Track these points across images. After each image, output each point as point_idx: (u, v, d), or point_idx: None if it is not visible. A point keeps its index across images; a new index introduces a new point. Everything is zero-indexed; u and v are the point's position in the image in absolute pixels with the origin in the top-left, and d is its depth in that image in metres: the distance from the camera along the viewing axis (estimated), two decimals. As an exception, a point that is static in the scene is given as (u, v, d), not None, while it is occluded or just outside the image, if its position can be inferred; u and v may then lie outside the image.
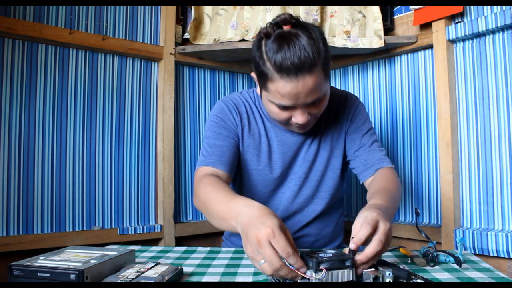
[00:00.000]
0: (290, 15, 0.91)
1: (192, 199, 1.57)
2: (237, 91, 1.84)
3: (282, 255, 0.63)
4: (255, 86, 1.12)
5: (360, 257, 0.68)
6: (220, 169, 1.00)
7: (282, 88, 0.87)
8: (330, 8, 1.51)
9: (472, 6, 1.33)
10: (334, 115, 1.12)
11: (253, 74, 1.00)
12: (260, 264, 0.64)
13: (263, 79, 0.91)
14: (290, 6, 1.52)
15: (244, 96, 1.13)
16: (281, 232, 0.64)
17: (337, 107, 1.13)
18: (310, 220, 1.12)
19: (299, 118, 0.93)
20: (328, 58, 0.92)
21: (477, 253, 1.25)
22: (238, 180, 1.14)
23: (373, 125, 1.19)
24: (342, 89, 1.76)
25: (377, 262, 0.74)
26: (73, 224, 1.40)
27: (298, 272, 0.64)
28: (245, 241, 0.68)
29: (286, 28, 0.90)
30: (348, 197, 1.73)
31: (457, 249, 1.21)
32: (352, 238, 0.70)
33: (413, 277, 0.67)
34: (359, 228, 0.70)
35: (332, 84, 1.80)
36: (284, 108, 0.93)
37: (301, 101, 0.90)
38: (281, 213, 1.11)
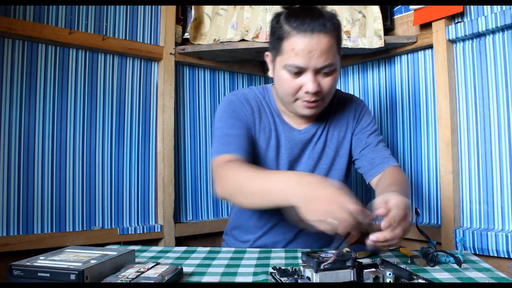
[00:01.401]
0: None
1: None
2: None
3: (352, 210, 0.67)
4: (264, 83, 1.12)
5: (376, 236, 0.69)
6: (241, 155, 0.98)
7: (297, 43, 0.92)
8: (330, 8, 1.51)
9: (472, 6, 1.33)
10: (340, 115, 1.14)
11: (266, 55, 1.06)
12: (332, 223, 0.67)
13: (279, 42, 0.96)
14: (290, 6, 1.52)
15: (254, 91, 1.13)
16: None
17: (343, 107, 1.14)
18: None
19: (309, 84, 0.95)
20: (340, 37, 1.00)
21: (477, 253, 1.25)
22: None
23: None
24: (342, 89, 1.76)
25: (378, 262, 0.74)
26: (73, 224, 1.40)
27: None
28: (311, 202, 0.70)
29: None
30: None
31: (457, 249, 1.21)
32: (378, 214, 0.71)
33: (415, 277, 0.67)
34: (390, 207, 0.71)
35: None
36: (295, 74, 0.95)
37: (314, 61, 0.93)
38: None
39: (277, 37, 0.97)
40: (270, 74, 1.07)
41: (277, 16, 1.00)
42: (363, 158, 1.10)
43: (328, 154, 1.12)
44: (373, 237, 0.69)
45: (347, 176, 1.16)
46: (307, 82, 0.95)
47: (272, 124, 1.10)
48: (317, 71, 0.95)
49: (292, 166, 1.10)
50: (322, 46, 0.92)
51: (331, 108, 1.14)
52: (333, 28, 0.95)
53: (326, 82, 0.97)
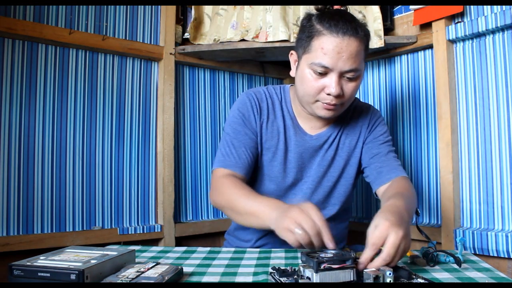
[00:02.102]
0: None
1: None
2: (237, 91, 1.84)
3: (318, 223, 0.75)
4: (259, 86, 1.13)
5: (369, 266, 0.69)
6: (237, 172, 1.04)
7: (327, 43, 0.93)
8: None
9: (472, 6, 1.33)
10: (354, 123, 1.12)
11: (291, 53, 1.07)
12: (297, 232, 0.74)
13: (308, 40, 0.97)
14: (290, 6, 1.52)
15: (270, 91, 1.13)
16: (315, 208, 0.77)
17: (358, 116, 1.13)
18: None
19: (331, 86, 0.95)
20: (368, 47, 1.01)
21: (477, 253, 1.25)
22: (253, 172, 1.11)
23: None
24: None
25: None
26: (73, 224, 1.40)
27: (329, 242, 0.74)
28: (283, 217, 0.78)
29: (337, 7, 1.02)
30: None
31: (457, 249, 1.21)
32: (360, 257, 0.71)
33: (414, 277, 0.67)
34: (369, 244, 0.72)
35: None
36: (320, 74, 0.95)
37: (341, 63, 0.93)
38: None
39: (307, 35, 0.97)
40: (291, 73, 1.07)
41: (309, 16, 1.00)
42: (371, 167, 1.08)
43: (338, 162, 1.10)
44: (363, 266, 0.70)
45: (354, 185, 1.16)
46: (331, 84, 0.95)
47: (281, 127, 1.09)
48: (341, 75, 0.95)
49: (301, 171, 1.09)
50: (351, 50, 0.93)
51: (346, 115, 1.12)
52: (364, 34, 0.96)
53: (348, 87, 0.97)
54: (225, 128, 1.11)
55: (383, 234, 0.71)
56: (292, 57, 1.07)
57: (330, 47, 0.93)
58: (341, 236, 1.17)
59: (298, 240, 0.75)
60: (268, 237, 1.12)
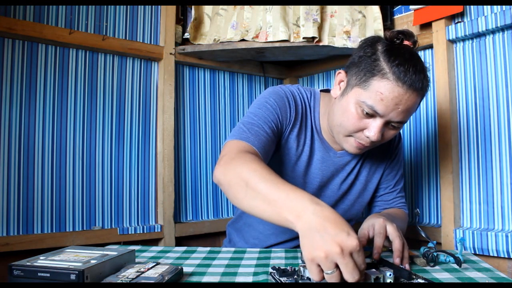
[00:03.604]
0: (412, 33, 0.90)
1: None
2: (237, 91, 1.84)
3: (359, 272, 0.59)
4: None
5: (396, 257, 0.78)
6: (258, 151, 0.85)
7: (389, 89, 0.82)
8: (330, 8, 1.51)
9: (472, 6, 1.33)
10: (378, 146, 1.04)
11: (339, 72, 0.95)
12: (329, 274, 0.58)
13: (368, 76, 0.85)
14: (290, 6, 1.52)
15: (302, 94, 1.01)
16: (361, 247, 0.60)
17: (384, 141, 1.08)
18: None
19: (373, 131, 0.86)
20: (422, 99, 0.90)
21: (477, 253, 1.25)
22: None
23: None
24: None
25: (377, 262, 0.75)
26: (73, 224, 1.40)
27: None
28: (315, 243, 0.59)
29: (407, 43, 0.88)
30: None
31: (457, 249, 1.21)
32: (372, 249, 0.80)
33: (414, 277, 0.67)
34: (374, 237, 0.81)
35: (332, 84, 1.80)
36: (368, 115, 0.86)
37: (394, 114, 0.84)
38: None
39: (367, 69, 0.85)
40: (333, 93, 0.96)
41: (375, 43, 0.88)
42: (382, 200, 1.13)
43: (357, 186, 1.07)
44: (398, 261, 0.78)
45: (368, 207, 1.17)
46: (374, 128, 0.86)
47: (309, 137, 1.00)
48: (387, 122, 0.87)
49: (320, 189, 1.03)
50: (409, 105, 0.84)
51: None
52: (426, 89, 0.87)
53: (389, 134, 0.91)
54: (252, 105, 0.96)
55: (382, 225, 0.82)
56: (339, 77, 0.95)
57: (390, 95, 0.82)
58: None
59: (323, 278, 0.60)
60: (276, 247, 1.08)
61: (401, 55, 0.84)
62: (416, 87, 0.83)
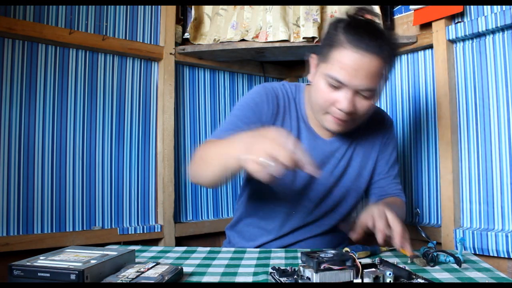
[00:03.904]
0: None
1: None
2: (237, 91, 1.84)
3: (291, 151, 0.67)
4: (303, 81, 1.09)
5: (397, 239, 0.80)
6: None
7: (347, 57, 0.86)
8: (330, 8, 1.51)
9: (472, 6, 1.33)
10: (369, 133, 1.08)
11: (312, 57, 1.00)
12: (270, 166, 0.66)
13: (329, 49, 0.90)
14: (290, 6, 1.52)
15: (286, 88, 1.06)
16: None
17: (374, 126, 1.10)
18: (321, 232, 1.10)
19: (344, 102, 0.89)
20: (393, 63, 0.95)
21: (477, 253, 1.25)
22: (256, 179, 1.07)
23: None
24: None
25: (377, 261, 0.74)
26: (73, 224, 1.40)
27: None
28: (250, 148, 0.68)
29: (368, 17, 0.93)
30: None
31: (457, 249, 1.21)
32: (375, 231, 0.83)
33: (414, 277, 0.67)
34: (374, 223, 0.83)
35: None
36: (333, 87, 0.90)
37: (356, 81, 0.87)
38: (298, 220, 1.07)
39: (328, 43, 0.91)
40: (309, 77, 1.01)
41: (336, 22, 0.93)
42: (379, 187, 1.12)
43: (351, 172, 1.07)
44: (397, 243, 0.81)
45: (363, 196, 1.14)
46: (343, 100, 0.89)
47: (296, 128, 1.03)
48: (356, 92, 0.89)
49: (312, 178, 1.03)
50: (370, 69, 0.87)
51: (364, 125, 1.06)
52: (387, 53, 0.89)
53: (362, 104, 0.92)
54: (231, 111, 1.03)
55: (382, 211, 0.84)
56: (313, 60, 1.00)
57: (348, 62, 0.86)
58: (340, 242, 1.17)
59: (270, 173, 0.67)
60: (278, 241, 1.09)
61: (358, 26, 0.88)
62: (374, 51, 0.85)
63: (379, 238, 0.81)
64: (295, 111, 1.04)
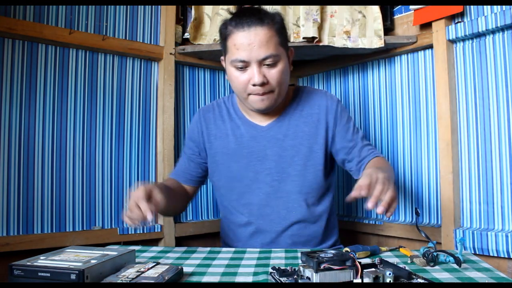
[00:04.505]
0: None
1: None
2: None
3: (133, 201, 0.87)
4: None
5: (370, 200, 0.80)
6: (175, 178, 1.23)
7: (237, 38, 1.00)
8: (330, 8, 1.51)
9: (472, 6, 1.33)
10: (310, 111, 1.15)
11: (222, 59, 1.14)
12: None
13: (224, 42, 1.06)
14: (290, 6, 1.52)
15: (218, 102, 1.23)
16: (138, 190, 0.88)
17: (313, 103, 1.16)
18: (296, 221, 1.11)
19: (255, 76, 1.00)
20: (284, 30, 1.06)
21: (477, 253, 1.25)
22: (217, 179, 1.20)
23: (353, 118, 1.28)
24: (342, 89, 1.76)
25: (377, 261, 0.74)
26: (73, 224, 1.40)
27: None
28: None
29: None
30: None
31: (457, 249, 1.21)
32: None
33: (414, 277, 0.67)
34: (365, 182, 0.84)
35: (332, 85, 1.80)
36: (241, 69, 1.02)
37: (254, 53, 0.99)
38: (259, 208, 1.12)
39: (222, 38, 1.06)
40: (227, 77, 1.11)
41: (224, 21, 1.07)
42: (352, 161, 1.13)
43: (301, 150, 1.12)
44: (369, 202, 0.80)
45: (330, 171, 1.17)
46: (253, 75, 1.00)
47: (230, 129, 1.16)
48: (260, 63, 1.01)
49: (261, 163, 1.12)
50: (260, 38, 0.98)
51: (299, 103, 1.16)
52: (272, 22, 1.01)
53: (272, 73, 1.02)
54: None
55: (375, 171, 0.87)
56: (222, 62, 1.14)
57: (240, 41, 0.99)
58: (328, 230, 1.17)
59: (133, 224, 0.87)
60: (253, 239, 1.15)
61: (239, 13, 1.04)
62: (256, 24, 0.99)
63: (356, 192, 0.81)
64: (228, 114, 1.18)
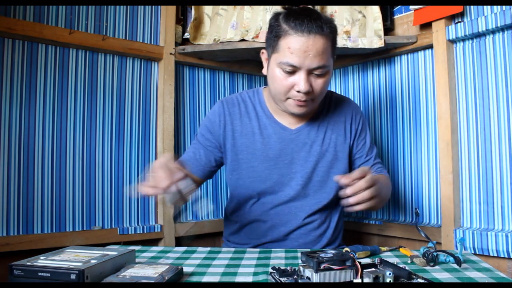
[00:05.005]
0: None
1: (192, 198, 1.62)
2: (237, 91, 1.84)
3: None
4: (259, 86, 1.15)
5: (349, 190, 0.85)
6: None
7: (294, 42, 0.95)
8: (330, 8, 1.51)
9: (472, 6, 1.33)
10: (337, 118, 1.15)
11: (262, 52, 1.09)
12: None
13: (276, 40, 0.99)
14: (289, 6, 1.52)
15: (242, 96, 1.17)
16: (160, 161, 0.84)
17: (340, 110, 1.16)
18: (310, 221, 1.12)
19: (301, 84, 0.97)
20: (335, 41, 1.03)
21: (477, 253, 1.25)
22: (237, 177, 1.14)
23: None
24: (342, 89, 1.76)
25: (377, 261, 0.74)
26: (73, 224, 1.40)
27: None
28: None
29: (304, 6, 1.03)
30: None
31: (457, 249, 1.21)
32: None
33: (414, 277, 0.67)
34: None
35: (332, 84, 1.80)
36: (288, 72, 0.98)
37: (308, 61, 0.95)
38: (277, 209, 1.11)
39: (274, 35, 1.00)
40: (264, 71, 1.09)
41: (276, 15, 1.02)
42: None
43: (327, 157, 1.12)
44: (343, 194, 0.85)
45: None
46: (300, 81, 0.97)
47: (257, 127, 1.12)
48: (309, 72, 0.98)
49: (287, 167, 1.10)
50: (317, 47, 0.95)
51: (328, 109, 1.16)
52: (330, 31, 0.98)
53: (318, 83, 1.00)
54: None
55: (366, 169, 0.89)
56: (263, 56, 1.09)
57: (296, 46, 0.95)
58: (336, 231, 1.18)
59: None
60: (266, 245, 1.13)
61: (297, 14, 0.97)
62: (316, 31, 0.95)
63: (342, 180, 0.85)
64: (254, 111, 1.14)
